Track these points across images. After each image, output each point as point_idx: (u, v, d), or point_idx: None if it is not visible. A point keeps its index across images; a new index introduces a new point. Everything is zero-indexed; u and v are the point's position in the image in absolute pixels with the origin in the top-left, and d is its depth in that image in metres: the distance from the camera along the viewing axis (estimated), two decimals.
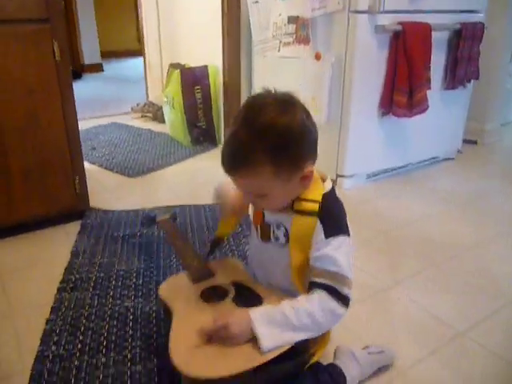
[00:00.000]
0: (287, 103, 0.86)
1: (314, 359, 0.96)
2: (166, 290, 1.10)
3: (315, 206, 0.91)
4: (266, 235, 1.01)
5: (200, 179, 2.31)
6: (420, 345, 1.16)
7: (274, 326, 0.87)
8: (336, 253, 0.89)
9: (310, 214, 0.91)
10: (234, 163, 0.87)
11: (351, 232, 0.94)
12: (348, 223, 0.94)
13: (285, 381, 0.91)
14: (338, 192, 0.97)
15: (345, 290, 0.89)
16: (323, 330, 0.92)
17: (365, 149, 2.15)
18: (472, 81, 2.38)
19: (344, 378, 0.98)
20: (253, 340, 0.86)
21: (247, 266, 1.16)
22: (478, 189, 2.20)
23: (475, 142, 2.87)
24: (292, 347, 0.87)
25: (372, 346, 1.09)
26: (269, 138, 0.83)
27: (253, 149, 0.83)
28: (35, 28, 1.49)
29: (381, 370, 1.07)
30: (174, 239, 1.32)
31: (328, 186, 0.96)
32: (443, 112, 2.35)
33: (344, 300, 0.89)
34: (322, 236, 0.90)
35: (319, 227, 0.90)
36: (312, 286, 0.90)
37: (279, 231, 0.97)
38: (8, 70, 1.48)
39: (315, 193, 0.93)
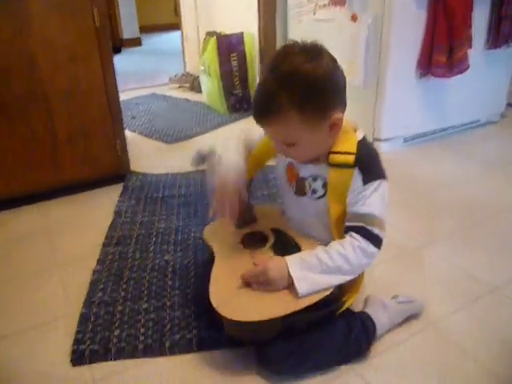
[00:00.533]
0: (313, 51, 0.88)
1: (345, 306, 0.99)
2: (209, 232, 1.15)
3: (350, 158, 0.92)
4: (301, 190, 1.02)
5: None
6: (451, 299, 1.18)
7: (309, 270, 0.90)
8: (369, 195, 0.92)
9: (346, 166, 0.93)
10: (261, 111, 0.89)
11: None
12: (384, 169, 0.96)
13: (316, 325, 0.94)
14: None
15: (375, 230, 0.91)
16: (357, 271, 0.94)
17: (402, 112, 2.12)
18: None
19: (374, 325, 1.00)
20: (289, 287, 0.90)
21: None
22: None
23: None
24: (328, 296, 0.90)
25: (401, 296, 1.11)
26: (293, 83, 0.85)
27: (278, 95, 0.85)
28: None
29: (410, 319, 1.09)
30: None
31: (360, 135, 0.97)
32: (485, 73, 2.27)
33: (375, 240, 0.92)
34: (360, 183, 0.92)
35: (357, 176, 0.92)
36: (346, 230, 0.93)
37: (316, 183, 0.98)
38: (50, 37, 1.55)
39: (349, 144, 0.94)
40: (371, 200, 0.91)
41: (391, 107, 2.07)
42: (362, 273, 1.02)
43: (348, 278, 0.93)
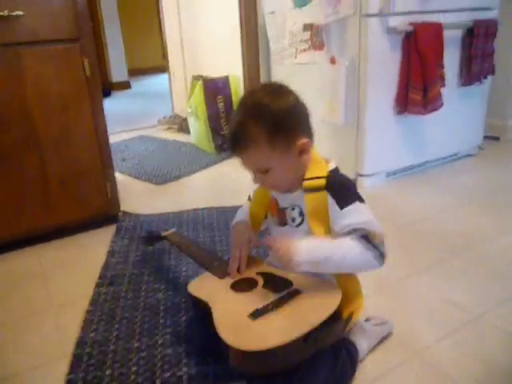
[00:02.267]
0: (277, 87, 1.01)
1: (354, 320, 1.04)
2: (195, 286, 1.14)
3: (322, 182, 0.99)
4: (282, 220, 1.08)
5: (224, 184, 2.41)
6: (436, 328, 1.21)
7: (312, 241, 0.97)
8: (355, 218, 0.95)
9: (318, 189, 0.99)
10: (234, 142, 0.99)
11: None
12: (359, 193, 1.01)
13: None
14: (358, 191, 1.03)
15: (376, 241, 0.95)
16: (356, 258, 0.95)
17: (383, 148, 2.20)
18: (489, 77, 2.41)
19: (357, 351, 1.04)
20: (295, 313, 0.94)
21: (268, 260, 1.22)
22: (500, 184, 2.22)
23: (498, 139, 2.87)
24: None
25: (373, 318, 1.16)
26: (258, 113, 0.96)
27: (247, 124, 0.96)
28: (67, 47, 1.62)
29: (393, 347, 1.13)
30: (188, 248, 1.39)
31: (332, 165, 1.04)
32: (461, 108, 2.38)
33: (375, 246, 0.94)
34: (337, 208, 0.97)
35: (331, 200, 0.98)
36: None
37: (294, 212, 1.05)
38: (44, 87, 1.62)
39: (320, 170, 1.01)
40: (364, 219, 0.95)
41: (372, 143, 2.16)
42: (360, 290, 1.07)
43: (348, 266, 0.97)
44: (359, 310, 1.05)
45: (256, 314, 0.95)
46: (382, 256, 0.96)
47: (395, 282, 1.43)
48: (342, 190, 0.99)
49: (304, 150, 0.99)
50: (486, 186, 2.19)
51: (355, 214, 0.96)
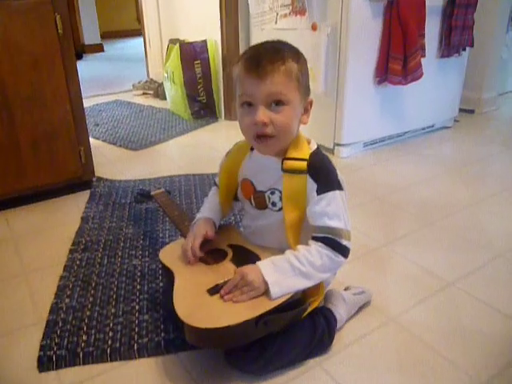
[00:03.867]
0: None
1: (311, 308, 1.02)
2: (166, 254, 1.14)
3: (303, 164, 0.97)
4: (261, 204, 1.05)
5: (201, 151, 2.37)
6: (410, 294, 1.24)
7: (282, 274, 0.93)
8: (329, 208, 0.95)
9: (299, 172, 0.97)
10: (267, 60, 0.90)
11: (345, 188, 1.00)
12: (340, 179, 0.99)
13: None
14: (335, 160, 1.03)
15: (343, 242, 0.96)
16: (324, 276, 0.98)
17: (361, 117, 2.20)
18: (467, 49, 2.42)
19: (335, 319, 1.05)
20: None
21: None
22: (474, 154, 2.26)
23: (472, 112, 2.92)
24: (291, 298, 0.93)
25: (352, 287, 1.18)
26: (289, 46, 0.96)
27: (282, 50, 0.93)
28: (38, 1, 1.54)
29: (369, 313, 1.16)
30: (171, 210, 1.39)
31: (313, 146, 1.02)
32: (439, 80, 2.39)
33: (343, 250, 0.96)
34: (314, 193, 0.96)
35: (311, 184, 0.96)
36: (312, 240, 0.97)
37: (274, 196, 1.02)
38: (13, 43, 1.54)
39: (302, 152, 0.99)
40: (336, 213, 0.95)
41: (351, 113, 2.15)
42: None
43: (316, 282, 0.96)
44: (319, 299, 1.04)
45: (214, 290, 0.96)
46: (346, 252, 0.97)
47: (371, 251, 1.44)
48: (323, 175, 0.97)
49: (308, 109, 0.99)
50: (461, 158, 2.22)
51: (328, 205, 0.95)
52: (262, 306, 0.91)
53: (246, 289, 0.92)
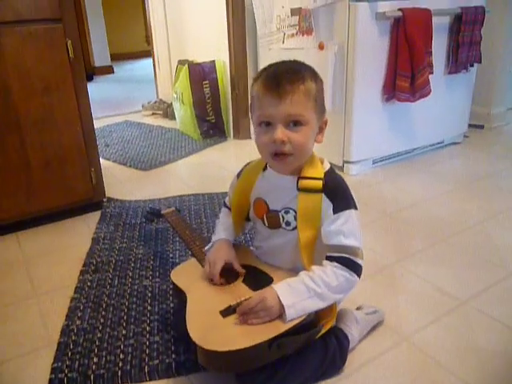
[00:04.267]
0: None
1: (324, 330, 1.01)
2: (178, 274, 1.14)
3: (319, 183, 0.97)
4: (275, 223, 1.05)
5: (210, 170, 2.39)
6: (423, 313, 1.22)
7: (298, 296, 0.92)
8: (345, 226, 0.95)
9: (314, 191, 0.97)
10: (287, 80, 0.92)
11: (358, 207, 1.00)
12: (354, 197, 1.00)
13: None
14: (345, 178, 1.03)
15: (358, 260, 0.96)
16: (339, 297, 0.98)
17: (370, 135, 2.20)
18: (475, 65, 2.42)
19: (348, 340, 1.04)
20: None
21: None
22: (485, 170, 2.24)
23: (482, 127, 2.90)
24: (305, 320, 0.92)
25: (365, 307, 1.16)
26: (306, 66, 0.98)
27: (301, 70, 0.95)
28: (49, 27, 1.57)
29: (381, 333, 1.14)
30: (182, 229, 1.39)
31: (327, 165, 1.02)
32: (448, 96, 2.39)
33: (358, 269, 0.96)
34: (331, 211, 0.96)
35: (326, 203, 0.96)
36: (327, 260, 0.96)
37: (289, 216, 1.02)
38: (25, 68, 1.56)
39: (317, 171, 0.99)
40: (352, 231, 0.95)
41: (359, 130, 2.15)
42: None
43: (331, 303, 0.96)
44: (332, 320, 1.03)
45: (227, 312, 0.95)
46: (360, 271, 0.97)
47: (382, 269, 1.43)
48: (339, 194, 0.98)
49: (323, 128, 1.00)
50: (471, 173, 2.21)
51: (343, 224, 0.95)
52: (276, 329, 0.90)
53: (262, 313, 0.91)
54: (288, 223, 1.03)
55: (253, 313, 0.92)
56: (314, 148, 1.03)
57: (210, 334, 0.91)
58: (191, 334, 0.90)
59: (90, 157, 1.78)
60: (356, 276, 0.96)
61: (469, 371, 1.02)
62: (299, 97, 0.92)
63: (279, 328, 0.90)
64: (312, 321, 0.96)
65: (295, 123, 0.93)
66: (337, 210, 0.96)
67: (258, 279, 1.03)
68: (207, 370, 0.99)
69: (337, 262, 0.95)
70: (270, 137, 0.93)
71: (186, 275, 1.11)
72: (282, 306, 0.91)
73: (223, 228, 1.16)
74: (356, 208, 0.99)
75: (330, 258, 0.96)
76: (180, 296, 1.08)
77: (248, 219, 1.15)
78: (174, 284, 1.11)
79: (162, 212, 1.57)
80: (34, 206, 1.70)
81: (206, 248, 1.16)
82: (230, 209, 1.18)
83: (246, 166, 1.15)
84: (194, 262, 1.17)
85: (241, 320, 0.92)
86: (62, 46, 1.61)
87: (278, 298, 0.91)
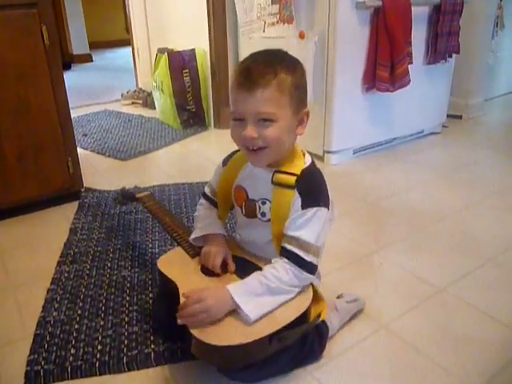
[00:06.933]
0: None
1: (321, 318, 1.02)
2: (165, 263, 1.11)
3: (292, 179, 0.96)
4: (251, 212, 1.04)
5: (191, 160, 2.37)
6: (401, 301, 1.23)
7: (253, 293, 0.91)
8: (307, 222, 0.94)
9: (287, 186, 0.96)
10: (257, 75, 0.89)
11: (334, 204, 1.00)
12: (329, 196, 0.99)
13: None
14: (325, 167, 1.02)
15: (309, 258, 0.94)
16: (295, 290, 0.96)
17: (350, 124, 2.21)
18: (454, 56, 2.44)
19: (327, 329, 1.05)
20: (232, 314, 0.91)
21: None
22: (463, 159, 2.27)
23: (460, 117, 2.93)
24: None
25: (346, 295, 1.17)
26: (285, 57, 0.95)
27: (275, 66, 0.91)
28: (23, 12, 1.53)
29: (361, 320, 1.15)
30: (162, 216, 1.34)
31: (308, 160, 1.01)
32: (426, 87, 2.41)
33: (308, 266, 0.95)
34: (299, 207, 0.95)
35: (297, 199, 0.95)
36: (281, 251, 0.96)
37: (265, 207, 1.01)
38: None
39: (295, 166, 0.98)
40: (310, 226, 0.94)
41: (340, 120, 2.15)
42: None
43: (289, 296, 0.95)
44: (326, 310, 1.03)
45: None
46: (312, 268, 0.96)
47: (362, 257, 1.44)
48: (311, 191, 0.96)
49: (303, 120, 0.97)
50: (450, 163, 2.24)
51: (307, 219, 0.94)
52: (273, 323, 0.89)
53: (201, 315, 0.88)
54: (263, 214, 1.02)
55: (190, 315, 0.89)
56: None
57: (209, 327, 0.89)
58: (192, 330, 0.88)
59: (67, 146, 1.74)
60: (306, 273, 0.94)
61: (446, 357, 1.04)
62: (271, 92, 0.89)
63: (279, 322, 0.89)
64: (306, 312, 0.95)
65: (265, 120, 0.92)
66: (305, 205, 0.95)
67: (248, 270, 1.00)
68: (185, 359, 0.99)
69: (287, 258, 0.95)
70: (242, 132, 0.93)
71: (175, 265, 1.09)
72: (235, 303, 0.89)
73: (212, 223, 1.14)
74: (327, 207, 0.97)
75: (282, 252, 0.96)
76: (166, 285, 1.06)
77: (233, 207, 1.14)
78: (161, 273, 1.08)
79: (137, 195, 1.49)
80: (9, 196, 1.66)
81: (192, 237, 1.13)
82: (210, 201, 1.16)
83: (233, 153, 1.12)
84: (180, 251, 1.14)
85: (181, 322, 0.90)
86: (36, 32, 1.56)
87: (232, 295, 0.90)
